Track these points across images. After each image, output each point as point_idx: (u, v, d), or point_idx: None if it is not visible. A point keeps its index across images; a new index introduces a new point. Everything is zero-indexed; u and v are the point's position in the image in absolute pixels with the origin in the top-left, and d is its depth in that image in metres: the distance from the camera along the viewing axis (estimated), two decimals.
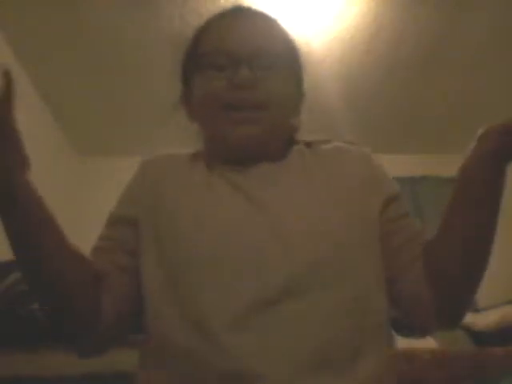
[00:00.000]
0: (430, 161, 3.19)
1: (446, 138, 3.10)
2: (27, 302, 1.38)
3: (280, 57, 0.74)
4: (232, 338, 0.58)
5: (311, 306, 0.60)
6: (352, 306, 0.62)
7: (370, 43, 2.37)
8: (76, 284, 0.64)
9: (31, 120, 2.57)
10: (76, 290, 0.64)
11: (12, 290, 1.45)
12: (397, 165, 3.13)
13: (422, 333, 0.65)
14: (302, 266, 0.61)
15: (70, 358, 0.74)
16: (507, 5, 2.17)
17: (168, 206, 0.70)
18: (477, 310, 2.18)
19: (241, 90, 0.69)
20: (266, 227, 0.64)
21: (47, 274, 0.62)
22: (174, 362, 0.61)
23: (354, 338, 0.61)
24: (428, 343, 1.58)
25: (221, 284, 0.61)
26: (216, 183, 0.71)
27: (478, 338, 1.65)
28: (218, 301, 0.60)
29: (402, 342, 1.49)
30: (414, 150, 3.18)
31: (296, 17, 2.20)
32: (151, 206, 0.72)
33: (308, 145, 0.79)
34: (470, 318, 1.84)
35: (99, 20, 2.20)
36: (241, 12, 0.78)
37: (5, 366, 1.28)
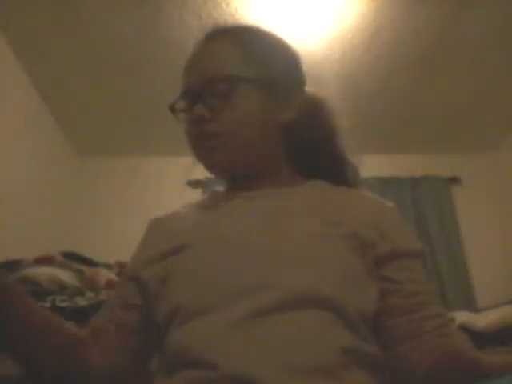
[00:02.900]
0: (430, 161, 3.19)
1: (446, 138, 3.10)
2: None
3: (237, 77, 0.74)
4: (230, 341, 0.59)
5: (303, 320, 0.60)
6: (345, 326, 0.62)
7: (370, 43, 2.37)
8: (50, 354, 0.68)
9: (31, 120, 2.57)
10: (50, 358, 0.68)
11: None
12: (397, 165, 3.15)
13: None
14: (295, 288, 0.62)
15: None
16: (507, 5, 2.17)
17: (184, 237, 0.73)
18: (477, 310, 2.18)
19: (200, 124, 0.74)
20: (271, 249, 0.67)
21: (34, 361, 0.68)
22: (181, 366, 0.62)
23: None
24: None
25: (227, 292, 0.63)
26: (229, 211, 0.76)
27: (478, 338, 1.65)
28: (219, 308, 0.62)
29: None
30: (414, 150, 3.17)
31: (296, 17, 2.20)
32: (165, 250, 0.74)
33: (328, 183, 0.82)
34: (470, 318, 1.84)
35: (99, 20, 2.20)
36: (204, 38, 0.81)
37: (5, 365, 1.28)
